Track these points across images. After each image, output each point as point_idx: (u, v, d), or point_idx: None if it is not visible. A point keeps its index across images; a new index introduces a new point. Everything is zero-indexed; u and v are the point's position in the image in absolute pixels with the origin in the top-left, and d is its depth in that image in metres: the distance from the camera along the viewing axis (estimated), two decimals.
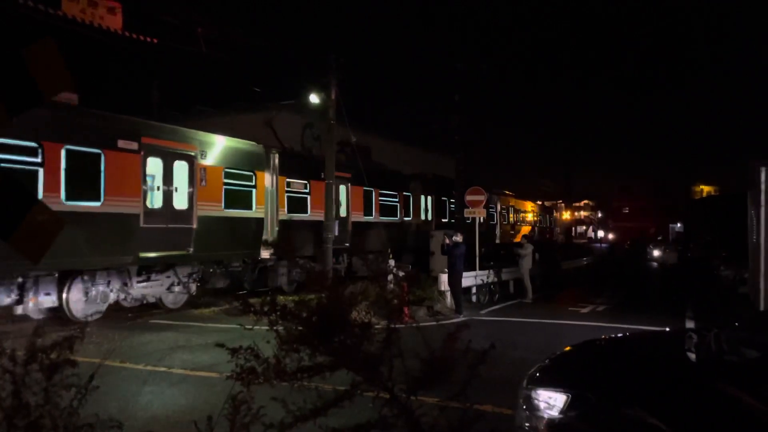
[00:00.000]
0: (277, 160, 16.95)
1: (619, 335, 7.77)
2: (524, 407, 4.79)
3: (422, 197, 25.29)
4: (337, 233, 17.60)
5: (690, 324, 13.08)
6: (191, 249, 13.89)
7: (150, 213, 13.00)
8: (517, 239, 28.30)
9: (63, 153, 11.27)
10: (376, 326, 3.39)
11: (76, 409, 3.12)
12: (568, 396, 4.45)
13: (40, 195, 10.56)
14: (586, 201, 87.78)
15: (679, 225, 54.65)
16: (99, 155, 11.89)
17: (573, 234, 63.49)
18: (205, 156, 14.41)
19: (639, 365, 4.96)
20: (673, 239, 49.48)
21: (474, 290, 17.16)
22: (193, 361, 9.09)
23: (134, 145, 12.63)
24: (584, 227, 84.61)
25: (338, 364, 3.15)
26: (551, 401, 4.53)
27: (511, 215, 35.83)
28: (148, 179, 13.12)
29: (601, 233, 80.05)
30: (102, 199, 11.99)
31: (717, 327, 5.36)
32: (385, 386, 3.09)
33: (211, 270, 15.26)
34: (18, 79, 2.89)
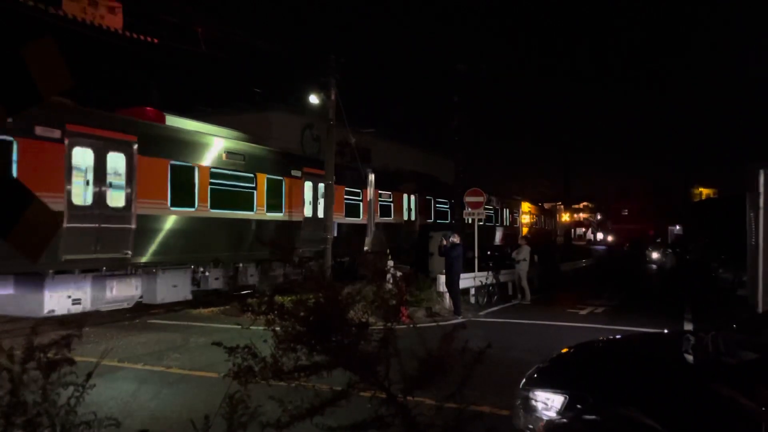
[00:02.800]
0: (373, 178, 20.86)
1: (617, 337, 7.79)
2: (522, 408, 4.80)
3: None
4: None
5: (688, 326, 13.08)
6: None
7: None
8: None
9: None
10: (374, 326, 3.40)
11: (74, 408, 3.13)
12: (565, 397, 4.46)
13: None
14: (585, 203, 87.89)
15: (678, 227, 54.63)
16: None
17: (572, 236, 63.55)
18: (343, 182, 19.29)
19: (636, 367, 4.97)
20: (672, 241, 49.47)
21: (473, 291, 17.17)
22: (191, 360, 9.09)
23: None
24: (583, 229, 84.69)
25: (335, 364, 3.15)
26: (549, 402, 4.54)
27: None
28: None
29: (600, 235, 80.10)
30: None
31: (715, 329, 5.38)
32: (382, 386, 3.10)
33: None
34: (17, 78, 2.89)
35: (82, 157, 11.66)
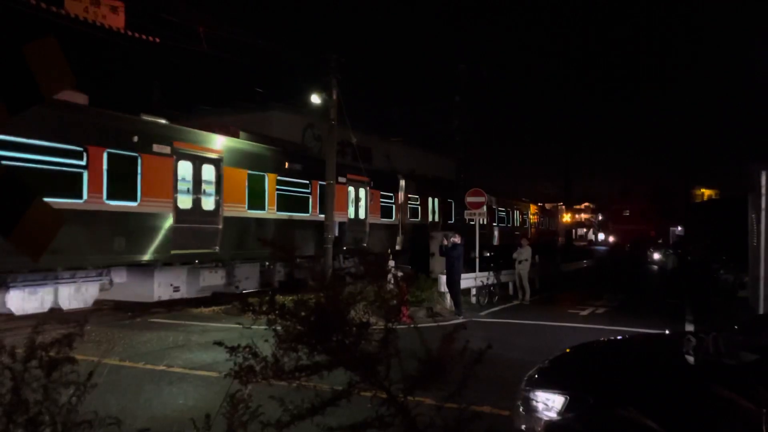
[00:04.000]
0: (404, 183, 23.25)
1: (618, 338, 7.78)
2: (523, 408, 4.80)
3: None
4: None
5: (689, 327, 13.07)
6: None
7: None
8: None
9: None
10: (375, 326, 3.40)
11: (75, 406, 3.14)
12: (566, 398, 4.46)
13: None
14: (586, 203, 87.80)
15: (679, 228, 54.57)
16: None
17: (573, 236, 63.51)
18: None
19: (637, 368, 4.97)
20: (674, 242, 49.43)
21: (474, 291, 17.17)
22: (192, 359, 9.10)
23: None
24: (584, 230, 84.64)
25: (336, 363, 3.15)
26: (549, 403, 4.54)
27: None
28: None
29: (601, 236, 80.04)
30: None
31: (716, 330, 5.37)
32: (382, 386, 3.10)
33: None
34: (20, 77, 2.90)
35: (185, 169, 14.02)
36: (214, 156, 14.79)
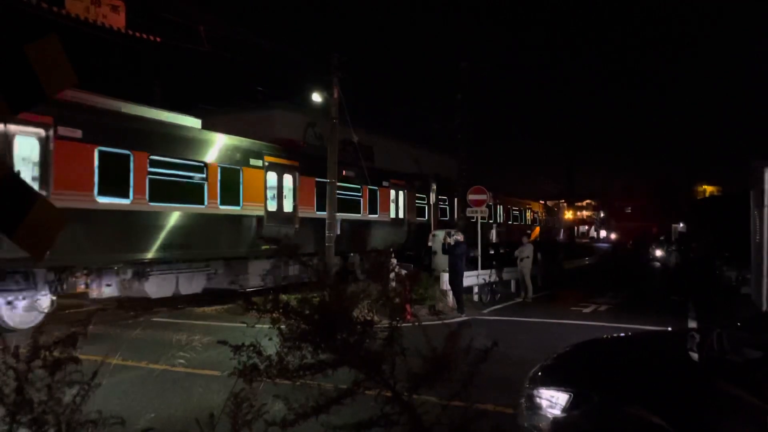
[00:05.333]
0: (435, 185, 25.52)
1: (621, 335, 7.77)
2: (527, 406, 4.80)
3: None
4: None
5: (692, 324, 13.06)
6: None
7: None
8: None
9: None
10: (379, 325, 3.39)
11: (79, 406, 3.13)
12: (570, 395, 4.45)
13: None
14: (588, 200, 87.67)
15: (681, 225, 54.43)
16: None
17: (575, 233, 63.44)
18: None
19: (641, 364, 4.96)
20: (676, 239, 49.33)
21: (476, 290, 17.17)
22: (196, 359, 9.09)
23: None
24: (586, 227, 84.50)
25: (340, 362, 3.14)
26: (553, 400, 4.53)
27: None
28: None
29: (603, 233, 79.92)
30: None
31: (719, 327, 5.36)
32: (387, 384, 3.09)
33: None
34: (23, 76, 2.89)
35: (271, 178, 16.77)
36: (293, 166, 17.68)
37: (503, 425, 5.09)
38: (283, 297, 3.33)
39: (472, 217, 19.11)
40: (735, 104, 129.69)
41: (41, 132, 10.94)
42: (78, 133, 11.56)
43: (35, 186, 10.21)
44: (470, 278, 16.40)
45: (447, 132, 25.95)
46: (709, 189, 69.48)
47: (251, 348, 3.14)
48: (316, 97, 18.54)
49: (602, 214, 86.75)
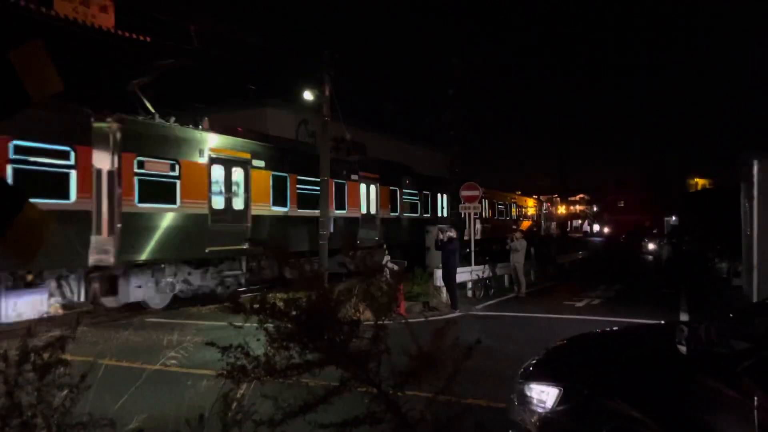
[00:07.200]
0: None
1: (613, 328, 7.81)
2: (518, 401, 4.83)
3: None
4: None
5: (684, 317, 13.14)
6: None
7: None
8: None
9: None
10: (367, 322, 3.41)
11: (69, 409, 3.14)
12: (560, 390, 4.48)
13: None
14: (581, 195, 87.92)
15: (674, 218, 54.69)
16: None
17: (569, 228, 63.61)
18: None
19: (632, 358, 4.99)
20: (668, 232, 49.53)
21: (469, 285, 17.21)
22: (187, 359, 9.06)
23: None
24: (580, 221, 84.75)
25: (327, 361, 3.16)
26: (544, 395, 4.56)
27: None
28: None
29: (596, 227, 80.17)
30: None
31: (708, 319, 5.40)
32: (373, 382, 3.11)
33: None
34: (6, 81, 2.88)
35: (364, 190, 21.75)
36: (375, 177, 22.01)
37: (494, 419, 5.14)
38: (270, 297, 3.34)
39: (462, 214, 19.20)
40: (727, 98, 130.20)
41: None
42: None
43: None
44: (464, 274, 16.43)
45: (439, 128, 26.13)
46: (701, 182, 69.82)
47: (239, 349, 3.16)
48: (308, 95, 18.42)
49: (595, 209, 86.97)
